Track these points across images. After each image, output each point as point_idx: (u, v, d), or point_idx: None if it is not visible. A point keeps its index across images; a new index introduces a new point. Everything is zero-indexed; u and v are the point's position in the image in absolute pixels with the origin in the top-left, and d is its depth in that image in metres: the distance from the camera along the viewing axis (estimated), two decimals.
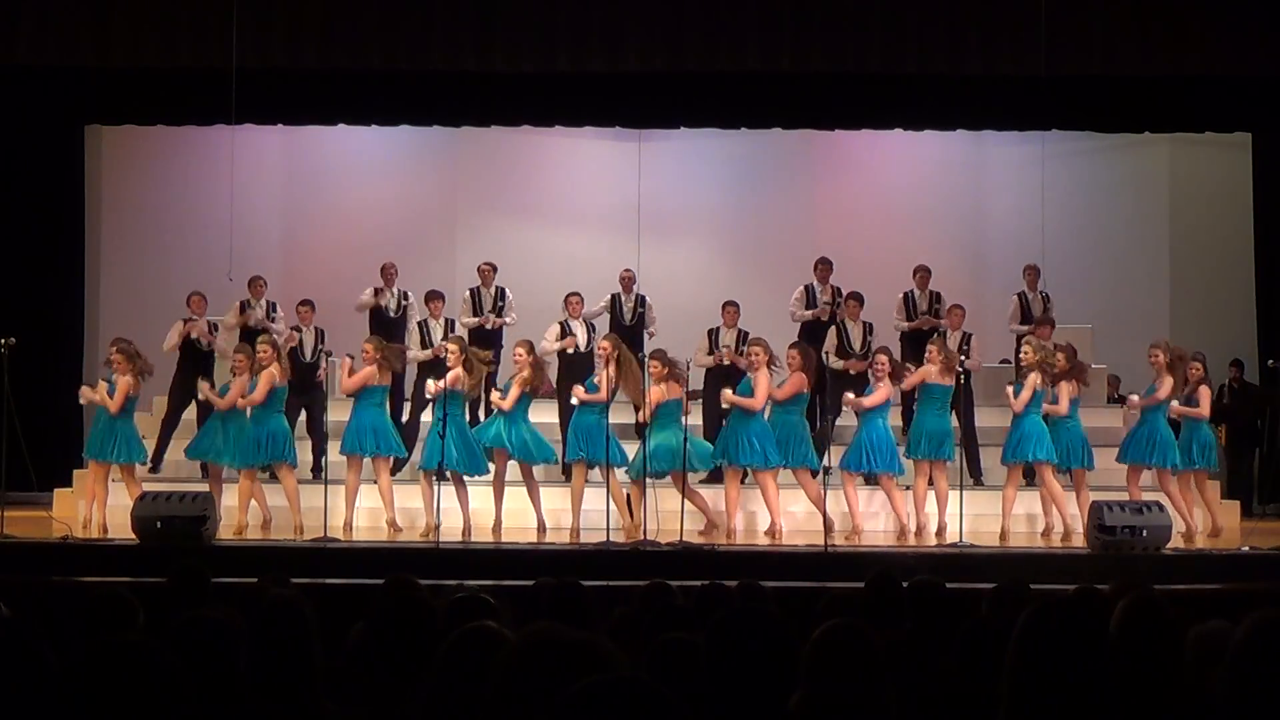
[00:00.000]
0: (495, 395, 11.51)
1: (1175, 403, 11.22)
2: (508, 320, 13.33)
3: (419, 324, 13.19)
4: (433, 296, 13.26)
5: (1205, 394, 11.42)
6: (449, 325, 13.04)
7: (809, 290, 13.47)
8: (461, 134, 15.26)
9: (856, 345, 12.85)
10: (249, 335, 12.64)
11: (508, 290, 13.47)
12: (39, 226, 14.52)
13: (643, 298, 13.48)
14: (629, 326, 13.21)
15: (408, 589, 5.02)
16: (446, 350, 11.50)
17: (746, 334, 12.52)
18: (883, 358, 11.44)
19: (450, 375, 11.14)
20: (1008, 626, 2.98)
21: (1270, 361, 12.49)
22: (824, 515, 10.97)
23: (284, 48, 12.24)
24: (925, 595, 5.28)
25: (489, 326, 13.23)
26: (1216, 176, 15.65)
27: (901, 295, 13.51)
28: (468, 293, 13.54)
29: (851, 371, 12.44)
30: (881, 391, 11.32)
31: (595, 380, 11.42)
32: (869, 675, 3.19)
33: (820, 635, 3.23)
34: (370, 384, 11.34)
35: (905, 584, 5.46)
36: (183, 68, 12.42)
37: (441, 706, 2.98)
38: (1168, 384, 11.22)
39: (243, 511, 11.34)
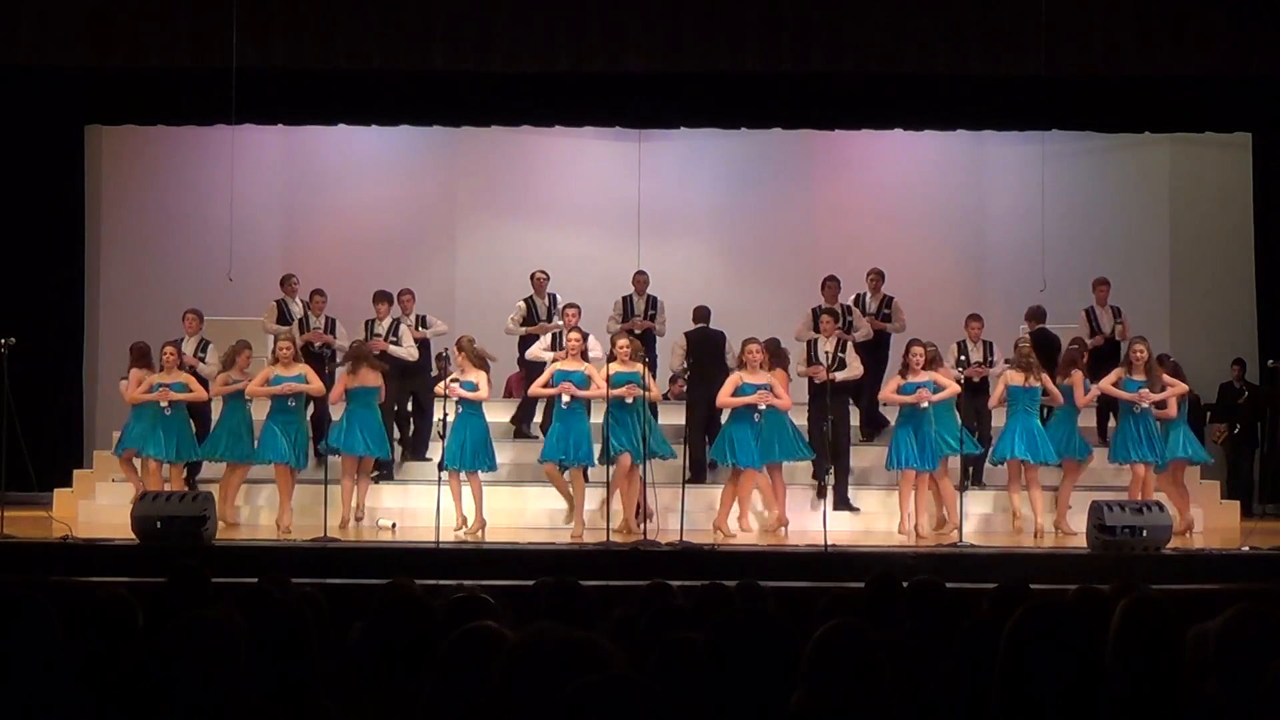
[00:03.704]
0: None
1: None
2: (560, 323, 12.86)
3: (394, 320, 12.89)
4: (403, 293, 13.12)
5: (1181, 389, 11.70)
6: (420, 321, 13.03)
7: (815, 314, 12.64)
8: (461, 134, 15.26)
9: (823, 358, 12.05)
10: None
11: (559, 296, 13.26)
12: (39, 227, 14.53)
13: (655, 299, 13.46)
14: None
15: (406, 590, 5.02)
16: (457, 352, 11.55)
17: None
18: (918, 349, 11.47)
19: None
20: None
21: (1270, 361, 12.49)
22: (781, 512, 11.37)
23: (284, 48, 12.22)
24: (925, 595, 5.28)
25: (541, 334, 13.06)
26: (1216, 176, 15.63)
27: (853, 297, 13.31)
28: (521, 303, 13.35)
29: (817, 380, 11.85)
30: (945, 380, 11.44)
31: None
32: (869, 675, 3.19)
33: (820, 635, 3.23)
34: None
35: (905, 584, 5.46)
36: (183, 68, 12.40)
37: (441, 706, 2.98)
38: (1166, 382, 11.51)
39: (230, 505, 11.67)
